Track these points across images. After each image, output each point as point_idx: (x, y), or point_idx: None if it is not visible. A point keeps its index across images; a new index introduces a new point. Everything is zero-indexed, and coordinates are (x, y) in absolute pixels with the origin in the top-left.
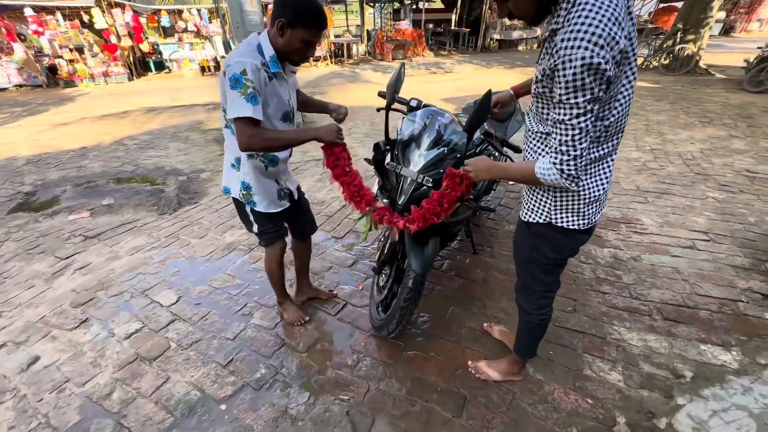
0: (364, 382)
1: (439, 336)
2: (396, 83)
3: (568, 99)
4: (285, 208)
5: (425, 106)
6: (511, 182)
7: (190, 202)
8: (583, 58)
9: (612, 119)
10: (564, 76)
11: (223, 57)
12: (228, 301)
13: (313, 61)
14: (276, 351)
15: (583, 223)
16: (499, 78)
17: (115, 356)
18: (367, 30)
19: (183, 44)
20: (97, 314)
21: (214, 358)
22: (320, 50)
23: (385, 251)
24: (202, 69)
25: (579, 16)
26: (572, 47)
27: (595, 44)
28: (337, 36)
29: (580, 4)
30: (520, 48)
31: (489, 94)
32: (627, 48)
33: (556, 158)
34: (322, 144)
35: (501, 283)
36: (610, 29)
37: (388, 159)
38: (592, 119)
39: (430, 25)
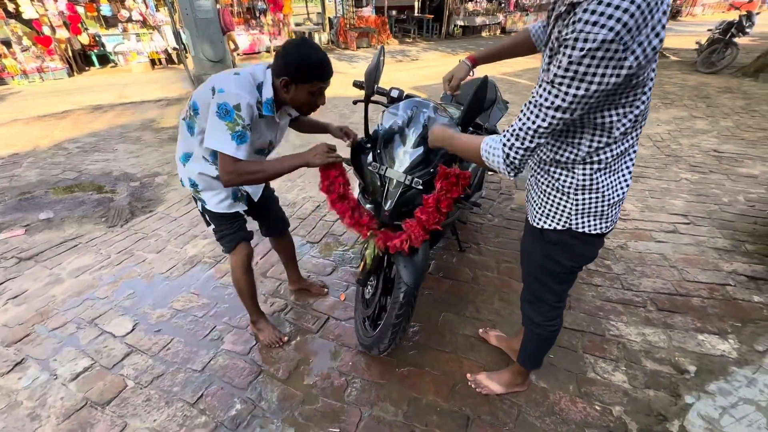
0: (356, 410)
1: (433, 347)
2: (375, 71)
3: (560, 83)
4: (246, 209)
5: (407, 96)
6: (492, 173)
7: (144, 211)
8: (603, 41)
9: (642, 106)
10: (570, 56)
11: (175, 48)
12: (193, 325)
13: (274, 50)
14: (252, 381)
15: (606, 226)
16: None
17: (59, 404)
18: (329, 18)
19: (128, 35)
20: (35, 353)
21: (181, 396)
22: (281, 40)
23: (370, 261)
24: (152, 62)
25: None
26: (594, 23)
27: (624, 25)
28: (297, 24)
29: None
30: (483, 34)
31: (485, 81)
32: (662, 34)
33: (508, 140)
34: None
35: (491, 282)
36: (648, 5)
37: (369, 158)
38: (565, 121)
39: (394, 12)
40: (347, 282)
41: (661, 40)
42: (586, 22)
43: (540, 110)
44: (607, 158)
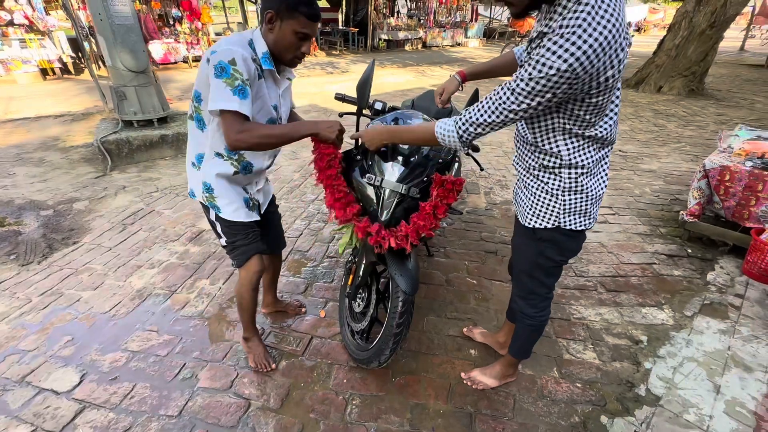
0: (361, 427)
1: (423, 352)
2: (365, 84)
3: (519, 93)
4: (254, 220)
5: (392, 108)
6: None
7: (65, 243)
8: (559, 69)
9: (606, 126)
10: (530, 73)
11: (72, 57)
12: (157, 366)
13: (193, 62)
14: (242, 416)
15: (588, 223)
16: (396, 77)
17: None
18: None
19: (9, 41)
20: None
21: None
22: (200, 49)
23: (360, 273)
24: (44, 72)
25: (573, 26)
26: (554, 53)
27: (578, 60)
28: (217, 34)
29: (576, 11)
30: (407, 48)
31: (476, 94)
32: (623, 59)
33: (463, 125)
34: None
35: (464, 283)
36: (609, 44)
37: (358, 170)
38: (513, 120)
39: (318, 24)
40: (324, 298)
41: (619, 71)
42: (548, 50)
43: (497, 108)
44: (588, 164)
